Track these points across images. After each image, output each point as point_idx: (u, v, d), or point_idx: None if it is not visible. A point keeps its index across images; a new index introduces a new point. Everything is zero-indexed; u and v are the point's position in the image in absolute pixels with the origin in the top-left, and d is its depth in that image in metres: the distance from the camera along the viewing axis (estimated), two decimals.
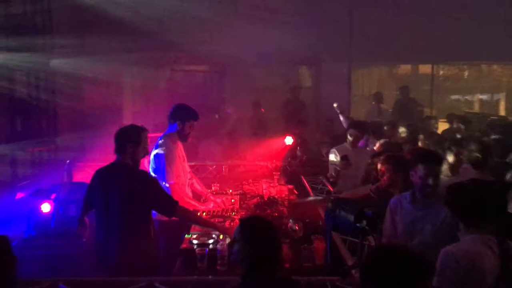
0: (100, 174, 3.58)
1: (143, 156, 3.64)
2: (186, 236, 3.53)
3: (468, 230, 2.63)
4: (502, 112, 10.73)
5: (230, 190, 5.10)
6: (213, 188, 5.20)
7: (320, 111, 9.21)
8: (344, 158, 5.28)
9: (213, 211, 4.30)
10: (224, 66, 9.50)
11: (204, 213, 4.23)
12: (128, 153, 3.50)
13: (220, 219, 4.00)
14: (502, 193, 2.96)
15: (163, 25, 8.49)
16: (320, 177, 5.68)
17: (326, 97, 9.47)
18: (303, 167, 6.24)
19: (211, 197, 4.67)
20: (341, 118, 6.99)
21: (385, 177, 3.94)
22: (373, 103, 9.53)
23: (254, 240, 2.44)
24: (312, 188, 5.39)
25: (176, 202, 3.54)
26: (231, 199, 4.66)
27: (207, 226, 3.57)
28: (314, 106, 9.66)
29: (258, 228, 2.51)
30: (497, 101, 11.38)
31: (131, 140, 3.50)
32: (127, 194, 3.40)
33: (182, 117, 4.37)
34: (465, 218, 2.64)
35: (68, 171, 5.82)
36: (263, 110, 9.27)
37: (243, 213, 4.30)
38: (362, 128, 5.80)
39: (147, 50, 8.32)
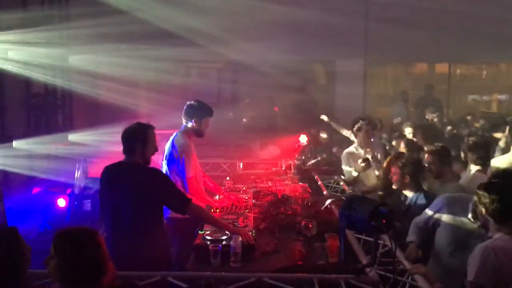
0: (109, 172, 3.57)
1: (153, 154, 3.61)
2: (200, 232, 3.53)
3: (499, 229, 2.65)
4: None
5: (244, 187, 5.10)
6: (226, 185, 5.21)
7: (335, 109, 9.15)
8: (365, 160, 5.29)
9: (227, 208, 4.30)
10: (238, 64, 9.49)
11: (218, 210, 4.23)
12: (138, 153, 3.48)
13: (234, 216, 3.99)
14: None
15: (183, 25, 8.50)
16: (336, 177, 5.66)
17: (341, 95, 9.46)
18: (317, 165, 6.20)
19: (225, 193, 4.67)
20: (334, 125, 6.99)
21: (394, 178, 4.06)
22: (400, 101, 9.47)
23: (69, 255, 2.15)
24: (326, 186, 5.37)
25: (189, 200, 3.53)
26: (245, 196, 4.66)
27: (218, 226, 3.54)
28: (329, 104, 9.60)
29: (72, 241, 2.19)
30: None
31: (139, 140, 3.48)
32: (138, 192, 3.39)
33: (198, 114, 4.38)
34: (498, 216, 2.65)
35: (84, 167, 5.90)
36: (276, 108, 9.26)
37: (257, 210, 4.29)
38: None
39: (164, 47, 8.37)
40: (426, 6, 9.09)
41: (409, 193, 4.11)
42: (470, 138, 4.93)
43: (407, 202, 4.11)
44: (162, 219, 3.59)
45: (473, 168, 4.46)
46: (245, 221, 3.85)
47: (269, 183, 5.30)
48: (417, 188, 4.07)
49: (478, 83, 12.12)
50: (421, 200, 3.96)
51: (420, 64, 12.71)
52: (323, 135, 7.53)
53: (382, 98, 12.64)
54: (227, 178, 5.59)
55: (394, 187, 4.21)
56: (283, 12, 8.85)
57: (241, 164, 6.16)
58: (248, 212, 4.17)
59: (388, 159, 4.55)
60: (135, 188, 3.41)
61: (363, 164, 5.25)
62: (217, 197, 4.64)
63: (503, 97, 11.32)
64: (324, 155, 6.70)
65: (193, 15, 8.46)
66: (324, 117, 7.12)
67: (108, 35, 7.16)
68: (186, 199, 3.52)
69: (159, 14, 8.11)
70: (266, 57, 8.72)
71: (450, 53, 9.93)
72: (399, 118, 8.89)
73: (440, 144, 4.65)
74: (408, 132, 6.57)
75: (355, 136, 5.66)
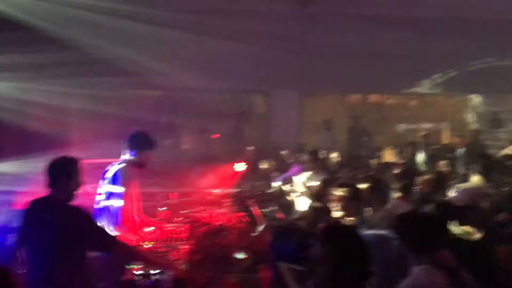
0: (32, 207, 3.43)
1: (76, 189, 3.46)
2: (129, 267, 3.41)
3: (419, 261, 2.69)
4: (445, 141, 11.22)
5: (179, 218, 5.01)
6: (160, 215, 5.10)
7: (271, 138, 9.31)
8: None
9: (158, 241, 4.20)
10: (176, 92, 9.46)
11: (149, 243, 4.12)
12: (61, 187, 3.36)
13: (166, 249, 3.91)
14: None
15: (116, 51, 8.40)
16: (272, 206, 5.70)
17: (277, 124, 9.66)
18: (254, 194, 6.23)
19: (157, 225, 4.57)
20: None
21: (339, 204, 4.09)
22: (325, 130, 9.76)
23: None
24: (263, 216, 5.38)
25: (113, 239, 3.43)
26: (179, 227, 4.58)
27: (147, 261, 3.44)
28: (266, 134, 9.76)
29: None
30: (440, 130, 11.93)
31: (62, 173, 3.37)
32: (60, 232, 3.24)
33: (139, 146, 4.31)
34: (417, 248, 2.70)
35: (8, 199, 5.57)
36: (214, 136, 9.28)
37: (192, 242, 4.22)
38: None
39: (99, 76, 8.20)
40: (358, 42, 9.55)
41: (349, 220, 4.16)
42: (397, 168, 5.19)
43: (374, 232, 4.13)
44: (84, 257, 3.43)
45: (396, 195, 4.67)
46: (177, 254, 3.77)
47: (205, 213, 5.25)
48: (358, 215, 4.11)
49: (407, 113, 12.79)
50: (363, 227, 4.03)
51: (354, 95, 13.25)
52: (263, 165, 7.59)
53: (319, 127, 13.04)
54: (162, 208, 5.47)
55: (335, 214, 4.21)
56: (222, 43, 8.99)
57: (177, 193, 6.08)
58: (181, 244, 4.09)
59: (318, 187, 4.66)
60: (57, 227, 3.26)
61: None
62: (150, 228, 4.52)
63: (429, 126, 12.03)
64: (263, 184, 6.77)
65: (129, 44, 8.39)
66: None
67: (38, 63, 6.92)
68: (109, 239, 3.43)
69: (93, 43, 7.97)
70: (204, 86, 8.76)
71: (381, 84, 10.45)
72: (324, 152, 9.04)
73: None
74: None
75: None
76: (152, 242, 4.13)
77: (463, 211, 3.42)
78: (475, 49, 10.04)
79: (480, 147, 8.37)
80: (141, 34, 8.69)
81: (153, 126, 8.46)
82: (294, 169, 6.16)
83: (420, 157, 8.28)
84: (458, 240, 3.20)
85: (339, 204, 4.11)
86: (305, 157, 6.08)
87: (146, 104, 8.83)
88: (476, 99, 11.04)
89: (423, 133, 9.73)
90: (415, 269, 2.69)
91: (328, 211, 4.33)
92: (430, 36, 9.72)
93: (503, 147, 8.76)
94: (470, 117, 11.12)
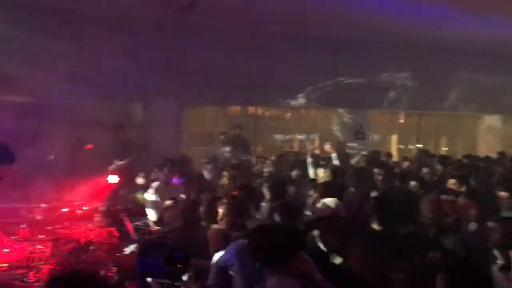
0: None
1: None
2: None
3: (272, 272, 2.78)
4: (317, 151, 11.98)
5: (42, 236, 4.64)
6: (20, 234, 4.67)
7: (150, 149, 9.08)
8: (172, 198, 5.38)
9: (17, 261, 3.84)
10: (44, 99, 8.78)
11: (2, 265, 3.74)
12: None
13: (24, 270, 3.59)
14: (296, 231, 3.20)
15: None
16: (146, 219, 5.55)
17: (157, 134, 9.48)
18: (127, 207, 6.01)
19: (14, 244, 4.18)
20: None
21: (224, 219, 4.08)
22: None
23: None
24: (135, 229, 5.21)
25: None
26: (41, 245, 4.24)
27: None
28: (145, 144, 9.49)
29: None
30: (312, 141, 12.70)
31: None
32: None
33: None
34: (268, 261, 2.78)
35: None
36: (89, 146, 8.79)
37: (54, 261, 3.93)
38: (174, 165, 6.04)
39: None
40: (238, 54, 9.79)
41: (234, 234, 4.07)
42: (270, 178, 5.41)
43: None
44: None
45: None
46: (36, 275, 3.48)
47: (73, 229, 4.94)
48: (242, 228, 4.08)
49: (282, 124, 13.40)
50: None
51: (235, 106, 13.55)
52: (139, 179, 7.33)
53: (200, 137, 13.08)
54: (23, 225, 5.01)
55: (221, 226, 4.17)
56: (97, 50, 8.61)
57: (43, 208, 5.63)
58: (42, 264, 3.79)
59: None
60: None
61: (169, 202, 5.33)
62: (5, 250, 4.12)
63: (302, 136, 12.77)
64: (137, 196, 6.57)
65: None
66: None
67: None
68: None
69: None
70: (75, 93, 8.26)
71: (258, 97, 10.84)
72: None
73: None
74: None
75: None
76: (6, 264, 3.75)
77: (324, 222, 3.61)
78: (344, 66, 10.93)
79: (345, 156, 9.06)
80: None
81: (16, 135, 7.78)
82: (173, 180, 6.09)
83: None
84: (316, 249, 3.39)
85: (223, 218, 4.10)
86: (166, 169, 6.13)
87: (7, 111, 8.03)
88: (343, 112, 11.97)
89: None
90: (268, 281, 2.78)
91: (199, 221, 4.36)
92: (304, 52, 10.35)
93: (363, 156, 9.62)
94: (338, 129, 12.01)
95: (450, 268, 2.30)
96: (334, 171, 6.40)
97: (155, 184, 6.13)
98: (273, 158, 9.03)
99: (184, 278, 2.80)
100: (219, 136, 10.15)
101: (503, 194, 5.41)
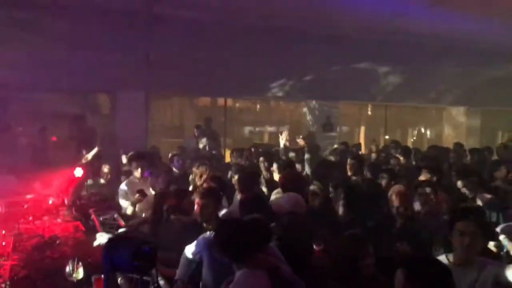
0: None
1: None
2: None
3: (238, 266, 2.78)
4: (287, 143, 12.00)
5: (3, 231, 4.47)
6: None
7: (116, 140, 8.88)
8: (139, 191, 5.30)
9: None
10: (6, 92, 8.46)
11: None
12: None
13: None
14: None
15: None
16: (114, 213, 5.43)
17: (123, 125, 9.29)
18: (94, 201, 5.86)
19: None
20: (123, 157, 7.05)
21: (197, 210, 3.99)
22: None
23: None
24: (102, 223, 5.09)
25: None
26: (1, 241, 4.09)
27: None
28: (111, 135, 9.28)
29: None
30: (281, 133, 12.71)
31: None
32: None
33: None
34: (234, 255, 2.77)
35: None
36: (54, 138, 8.55)
37: (17, 257, 3.81)
38: (143, 159, 5.88)
39: None
40: (206, 45, 9.67)
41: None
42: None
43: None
44: None
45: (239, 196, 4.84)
46: None
47: (37, 223, 4.79)
48: (215, 220, 3.95)
49: (253, 116, 13.39)
50: None
51: (204, 98, 13.42)
52: (105, 169, 7.18)
53: (168, 129, 12.90)
54: None
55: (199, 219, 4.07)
56: (59, 40, 8.35)
57: (5, 202, 5.43)
58: (4, 260, 3.66)
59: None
60: None
61: (137, 195, 5.26)
62: None
63: (272, 129, 12.78)
64: (104, 189, 6.43)
65: None
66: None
67: None
68: None
69: None
70: (37, 85, 7.99)
71: (226, 88, 10.74)
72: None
73: None
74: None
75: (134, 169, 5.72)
76: None
77: (283, 217, 3.61)
78: (314, 59, 10.95)
79: (315, 148, 9.09)
80: None
81: None
82: (145, 173, 5.94)
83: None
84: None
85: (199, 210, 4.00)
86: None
87: None
88: (312, 104, 12.01)
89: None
90: (236, 274, 2.78)
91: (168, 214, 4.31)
92: (275, 46, 10.32)
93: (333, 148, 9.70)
94: (308, 121, 12.05)
95: (410, 263, 2.29)
96: (289, 162, 6.44)
97: (129, 178, 5.99)
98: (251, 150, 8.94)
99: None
100: (194, 129, 9.94)
101: (459, 183, 5.47)
